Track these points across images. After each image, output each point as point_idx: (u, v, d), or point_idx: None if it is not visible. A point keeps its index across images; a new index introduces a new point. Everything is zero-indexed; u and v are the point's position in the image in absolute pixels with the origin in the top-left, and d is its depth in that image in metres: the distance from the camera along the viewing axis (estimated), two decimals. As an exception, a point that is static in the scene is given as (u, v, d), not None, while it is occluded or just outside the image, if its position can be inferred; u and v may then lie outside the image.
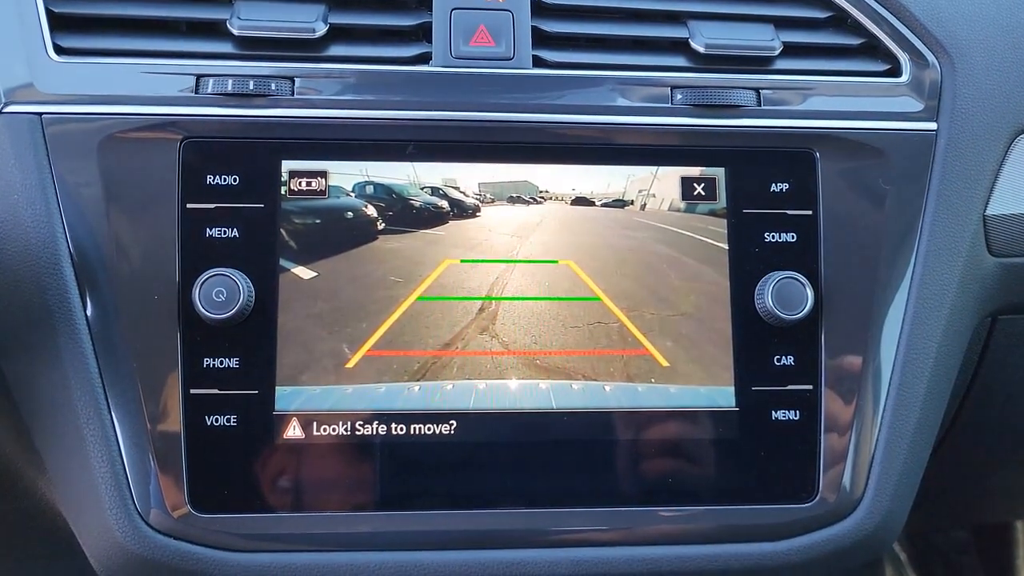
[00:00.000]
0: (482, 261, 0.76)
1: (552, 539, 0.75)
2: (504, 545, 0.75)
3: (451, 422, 0.74)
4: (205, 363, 0.73)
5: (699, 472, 0.76)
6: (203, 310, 0.71)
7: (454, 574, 0.74)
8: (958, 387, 0.87)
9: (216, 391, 0.73)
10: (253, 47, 0.76)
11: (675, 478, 0.76)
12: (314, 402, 0.73)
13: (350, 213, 0.76)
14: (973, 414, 0.95)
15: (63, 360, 0.71)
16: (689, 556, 0.76)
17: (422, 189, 0.76)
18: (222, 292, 0.71)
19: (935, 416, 0.81)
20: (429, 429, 0.74)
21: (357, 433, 0.74)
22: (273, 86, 0.74)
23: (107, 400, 0.72)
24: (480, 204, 0.77)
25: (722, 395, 0.76)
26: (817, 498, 0.76)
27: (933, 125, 0.80)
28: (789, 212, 0.78)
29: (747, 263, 0.77)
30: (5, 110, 0.72)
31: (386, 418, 0.74)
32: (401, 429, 0.74)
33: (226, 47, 0.76)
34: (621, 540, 0.75)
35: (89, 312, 0.72)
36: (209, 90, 0.74)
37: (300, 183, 0.75)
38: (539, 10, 0.79)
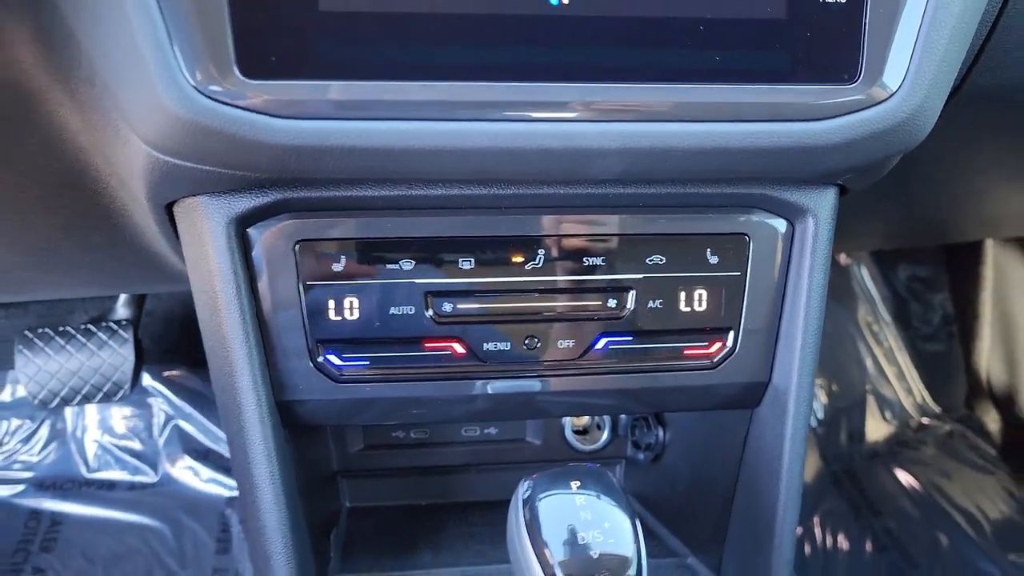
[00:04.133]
0: None
1: (599, 112, 0.74)
2: (547, 119, 0.73)
3: None
4: None
5: (742, 51, 0.74)
6: None
7: (506, 145, 0.73)
8: (983, 27, 0.88)
9: None
10: None
11: (717, 56, 0.74)
12: None
13: None
14: (993, 56, 0.96)
15: None
16: (729, 133, 0.75)
17: None
18: None
19: (970, 21, 0.81)
20: None
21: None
22: None
23: None
24: None
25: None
26: (860, 80, 0.77)
27: None
28: None
29: None
30: None
31: None
32: None
33: None
34: (661, 116, 0.74)
35: None
36: None
37: None
38: None
